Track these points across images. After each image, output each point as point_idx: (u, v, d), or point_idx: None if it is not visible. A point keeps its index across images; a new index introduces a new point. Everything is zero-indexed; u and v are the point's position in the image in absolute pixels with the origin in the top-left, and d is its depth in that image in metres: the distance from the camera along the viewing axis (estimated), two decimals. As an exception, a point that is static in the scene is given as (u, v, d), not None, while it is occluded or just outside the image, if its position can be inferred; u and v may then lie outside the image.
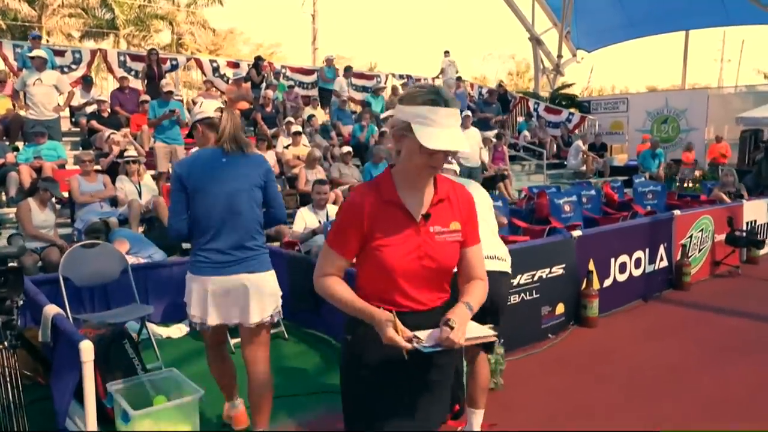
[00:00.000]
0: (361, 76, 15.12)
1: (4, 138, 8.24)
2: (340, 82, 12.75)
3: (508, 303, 4.30)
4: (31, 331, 3.63)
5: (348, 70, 13.62)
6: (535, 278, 4.53)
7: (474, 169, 9.73)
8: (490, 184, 10.27)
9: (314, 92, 13.19)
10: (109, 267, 4.18)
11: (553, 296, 4.70)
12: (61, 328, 2.96)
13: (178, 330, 4.88)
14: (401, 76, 15.66)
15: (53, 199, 5.84)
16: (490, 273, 2.05)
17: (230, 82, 11.89)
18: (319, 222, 5.58)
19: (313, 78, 13.93)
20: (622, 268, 5.49)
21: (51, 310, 3.19)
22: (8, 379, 2.92)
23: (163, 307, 4.99)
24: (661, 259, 6.00)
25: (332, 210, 5.79)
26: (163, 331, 4.76)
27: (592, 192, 8.04)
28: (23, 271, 5.41)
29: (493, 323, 2.86)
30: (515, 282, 4.38)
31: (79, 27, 28.93)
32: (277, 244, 6.96)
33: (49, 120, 7.83)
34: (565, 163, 13.94)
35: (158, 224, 6.59)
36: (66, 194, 6.86)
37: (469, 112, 10.12)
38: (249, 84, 11.78)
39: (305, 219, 5.62)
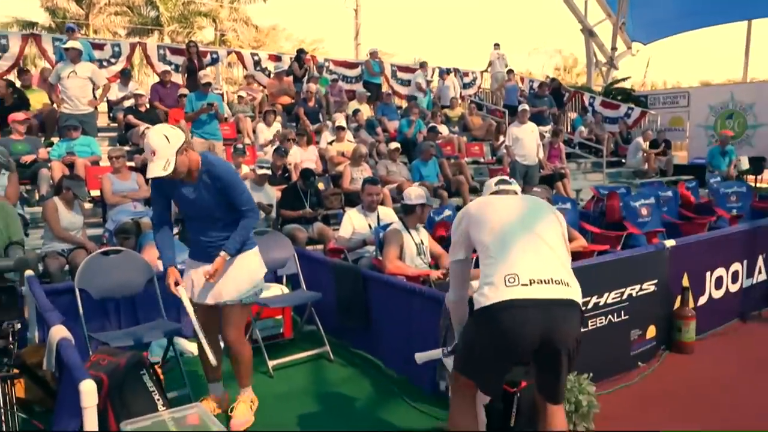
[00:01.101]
0: (406, 69, 14.50)
1: (40, 133, 7.95)
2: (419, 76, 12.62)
3: (592, 327, 3.63)
4: (41, 351, 3.15)
5: (423, 64, 13.43)
6: (624, 297, 3.83)
7: (531, 167, 9.00)
8: (548, 184, 9.51)
9: (358, 86, 12.63)
10: (132, 277, 3.68)
11: (643, 317, 3.99)
12: (64, 360, 2.44)
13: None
14: (447, 70, 14.96)
15: (82, 199, 5.40)
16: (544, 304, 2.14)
17: (272, 76, 11.45)
18: (370, 226, 4.98)
19: (357, 72, 13.39)
20: (718, 283, 4.72)
21: (57, 333, 2.67)
22: (1, 418, 2.42)
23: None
24: (760, 272, 5.19)
25: (383, 212, 5.19)
26: (195, 348, 4.24)
27: (669, 193, 7.22)
28: (50, 277, 5.09)
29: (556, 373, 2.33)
30: (602, 302, 3.69)
31: (124, 25, 29.20)
32: (320, 247, 6.43)
33: (84, 114, 7.48)
34: (624, 161, 13.02)
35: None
36: (98, 193, 6.48)
37: (526, 106, 9.37)
38: (291, 78, 11.32)
39: (353, 222, 5.04)
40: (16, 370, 2.51)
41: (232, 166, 3.08)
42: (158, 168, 2.76)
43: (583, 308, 2.41)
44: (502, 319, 2.21)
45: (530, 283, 2.22)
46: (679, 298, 4.26)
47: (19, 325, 2.54)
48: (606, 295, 3.70)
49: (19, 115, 7.06)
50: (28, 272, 4.10)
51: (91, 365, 2.75)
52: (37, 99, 8.33)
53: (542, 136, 10.36)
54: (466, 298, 2.60)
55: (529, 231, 2.37)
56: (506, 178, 2.79)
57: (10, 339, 2.53)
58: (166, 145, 2.77)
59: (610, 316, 3.75)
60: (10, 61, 9.70)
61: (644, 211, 6.41)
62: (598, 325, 3.69)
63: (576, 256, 4.66)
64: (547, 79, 15.87)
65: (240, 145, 7.29)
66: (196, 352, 4.20)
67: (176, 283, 3.02)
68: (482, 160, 11.06)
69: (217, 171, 2.95)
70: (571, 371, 2.41)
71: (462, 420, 2.47)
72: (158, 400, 2.77)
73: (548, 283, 2.24)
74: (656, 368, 3.98)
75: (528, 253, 2.30)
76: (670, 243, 4.18)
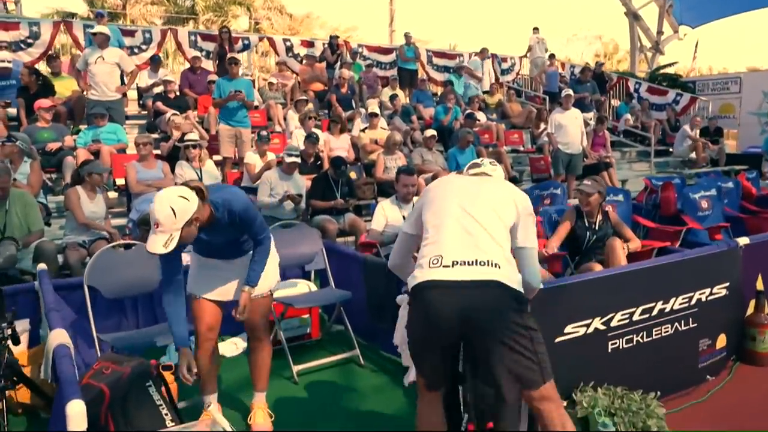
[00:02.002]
0: (442, 55, 14.02)
1: (69, 121, 7.80)
2: (475, 62, 12.36)
3: (657, 336, 3.20)
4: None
5: (483, 51, 13.13)
6: (693, 302, 3.38)
7: (575, 156, 8.49)
8: (592, 173, 8.96)
9: (393, 72, 12.24)
10: (146, 274, 3.39)
11: (713, 325, 3.53)
12: (57, 371, 2.15)
13: (233, 346, 4.07)
14: (476, 54, 14.40)
15: (104, 187, 5.19)
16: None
17: (303, 62, 11.15)
18: (404, 218, 4.61)
19: (391, 57, 12.98)
20: (794, 285, 4.20)
21: (55, 338, 2.40)
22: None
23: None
24: (838, 273, 4.63)
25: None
26: (216, 348, 3.96)
27: (730, 184, 6.63)
28: (70, 269, 4.87)
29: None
30: (667, 308, 3.25)
31: (161, 14, 29.34)
32: (351, 239, 6.10)
33: (111, 101, 7.28)
34: (671, 150, 12.33)
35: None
36: (123, 181, 6.27)
37: (570, 91, 8.83)
38: (323, 64, 10.99)
39: (387, 215, 4.68)
40: (8, 381, 2.23)
41: (247, 200, 2.70)
42: (158, 244, 2.37)
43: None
44: (422, 299, 2.17)
45: (452, 265, 2.16)
46: (752, 303, 3.80)
47: (9, 331, 2.26)
48: (672, 300, 3.26)
49: (45, 102, 6.89)
50: (41, 266, 3.87)
51: (93, 374, 2.47)
52: (66, 86, 8.17)
53: (586, 124, 9.82)
54: (405, 266, 2.58)
55: (468, 212, 2.29)
56: (479, 160, 2.69)
57: (4, 344, 2.25)
58: (172, 220, 2.36)
59: (676, 324, 3.31)
60: (42, 48, 9.60)
61: (704, 204, 5.88)
62: (663, 334, 3.25)
63: (632, 255, 4.23)
64: (596, 63, 15.14)
65: (264, 132, 6.97)
66: (217, 353, 3.94)
67: (188, 368, 2.60)
68: (522, 148, 10.57)
69: (235, 208, 2.61)
70: (524, 365, 2.11)
71: (423, 420, 2.37)
72: (166, 414, 2.47)
73: (472, 264, 2.16)
74: (727, 382, 3.52)
75: (458, 235, 2.24)
76: (743, 241, 3.69)
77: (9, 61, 7.95)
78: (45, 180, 6.10)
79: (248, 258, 2.85)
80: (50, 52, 9.51)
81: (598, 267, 4.06)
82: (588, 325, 2.94)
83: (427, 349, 2.24)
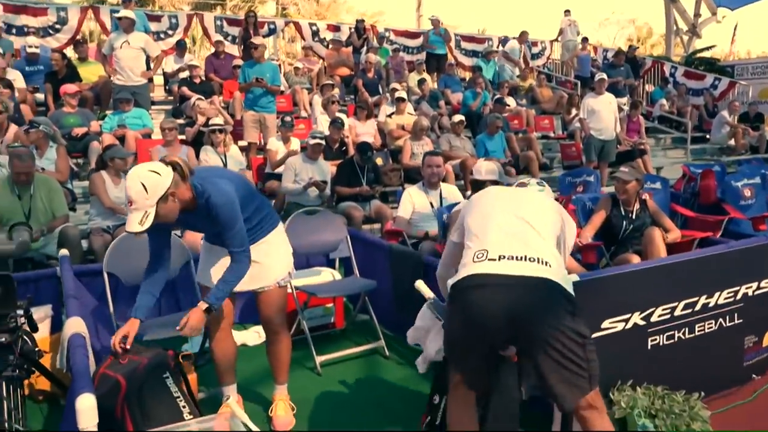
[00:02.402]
0: (470, 39, 13.75)
1: (95, 106, 7.81)
2: (513, 46, 12.01)
3: (699, 332, 3.02)
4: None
5: (523, 34, 12.91)
6: (738, 297, 3.17)
7: (608, 142, 8.22)
8: (626, 160, 8.67)
9: (421, 56, 12.02)
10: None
11: (760, 321, 3.31)
12: (71, 362, 2.08)
13: (256, 335, 3.99)
14: (514, 38, 14.07)
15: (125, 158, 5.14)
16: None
17: (330, 47, 11.01)
18: (431, 204, 4.47)
19: (418, 42, 12.75)
20: None
21: (71, 327, 2.33)
22: (5, 426, 2.08)
23: (241, 304, 4.11)
24: None
25: (447, 190, 4.66)
26: (238, 337, 3.86)
27: (772, 171, 6.32)
28: (95, 255, 4.85)
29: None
30: (711, 303, 3.06)
31: (189, 0, 29.40)
32: (377, 227, 5.99)
33: (136, 86, 7.26)
34: (708, 136, 11.90)
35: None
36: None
37: (604, 75, 8.53)
38: (350, 49, 10.85)
39: (414, 201, 4.54)
40: (23, 371, 2.16)
41: (230, 200, 2.47)
42: (134, 222, 2.26)
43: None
44: (465, 295, 2.03)
45: (498, 259, 2.03)
46: (802, 297, 3.56)
47: (23, 319, 2.19)
48: (717, 294, 3.06)
49: (71, 88, 6.89)
50: (63, 251, 3.84)
51: (110, 364, 2.39)
52: (93, 71, 8.18)
53: (620, 109, 9.50)
54: (447, 276, 2.40)
55: (515, 215, 2.18)
56: (526, 180, 2.72)
57: (18, 334, 2.18)
58: (143, 196, 2.25)
59: (720, 320, 3.11)
60: (69, 34, 9.64)
61: (747, 193, 5.60)
62: (707, 330, 3.06)
63: (671, 246, 4.03)
64: (629, 47, 14.69)
65: (288, 118, 6.85)
66: (238, 341, 3.86)
67: (122, 346, 2.41)
68: (552, 134, 10.29)
69: (213, 202, 2.44)
70: (574, 372, 1.94)
71: (456, 422, 2.23)
72: (184, 407, 2.38)
73: (521, 260, 2.01)
74: (774, 381, 3.32)
75: (505, 231, 2.12)
76: (793, 231, 3.47)
77: (37, 47, 7.99)
78: (71, 165, 6.08)
79: (258, 247, 2.68)
80: (78, 37, 9.52)
81: (635, 258, 3.87)
82: (627, 320, 2.77)
83: (470, 350, 2.07)
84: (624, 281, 2.80)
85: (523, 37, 12.86)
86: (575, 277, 2.38)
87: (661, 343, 2.89)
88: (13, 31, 9.05)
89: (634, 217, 4.20)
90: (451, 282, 2.10)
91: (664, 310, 2.88)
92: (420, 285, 2.84)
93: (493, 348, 2.08)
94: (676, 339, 2.94)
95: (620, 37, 38.57)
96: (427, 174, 4.59)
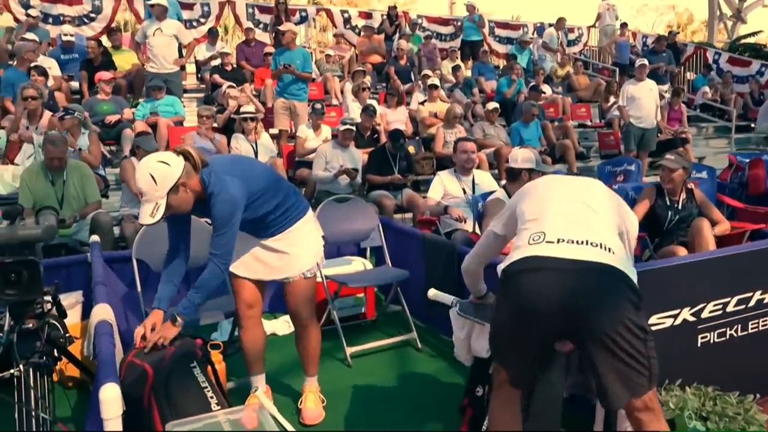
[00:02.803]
0: (505, 26, 13.45)
1: (129, 94, 7.86)
2: (551, 34, 11.76)
3: (753, 330, 2.84)
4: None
5: (560, 21, 12.61)
6: (796, 292, 2.97)
7: (648, 131, 7.93)
8: (667, 150, 8.36)
9: (455, 43, 11.81)
10: (195, 247, 3.22)
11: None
12: (97, 349, 2.03)
13: (286, 324, 3.93)
14: (551, 26, 13.74)
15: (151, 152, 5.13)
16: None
17: (361, 34, 10.89)
18: (464, 191, 4.34)
19: (451, 29, 12.54)
20: None
21: (98, 314, 2.28)
22: (32, 413, 2.04)
23: (270, 293, 4.04)
24: None
25: (480, 177, 4.51)
26: (267, 326, 3.80)
27: (827, 162, 5.98)
28: (126, 241, 4.85)
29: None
30: (766, 299, 2.87)
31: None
32: (408, 216, 5.87)
33: (169, 73, 7.26)
34: (753, 125, 11.43)
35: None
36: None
37: (645, 61, 8.23)
38: (382, 36, 10.70)
39: (444, 184, 4.41)
40: (49, 358, 2.12)
41: (231, 203, 2.36)
42: (145, 214, 2.22)
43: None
44: (517, 279, 1.84)
45: (557, 242, 1.84)
46: None
47: (49, 305, 2.15)
48: (775, 290, 2.87)
49: (105, 75, 6.93)
50: (94, 237, 3.84)
51: (137, 352, 2.34)
52: (127, 59, 8.22)
53: (661, 96, 9.17)
54: (478, 274, 2.42)
55: (576, 200, 2.01)
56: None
57: (45, 320, 2.14)
58: (153, 187, 2.20)
59: (776, 317, 2.92)
60: (104, 22, 9.71)
61: (799, 183, 5.32)
62: (761, 327, 2.87)
63: (720, 238, 3.83)
64: (669, 32, 14.21)
65: (318, 105, 6.77)
66: (268, 331, 3.80)
67: (144, 334, 2.36)
68: (589, 123, 10.00)
69: (214, 197, 2.35)
70: (634, 368, 1.75)
71: (498, 421, 2.05)
72: (211, 397, 2.31)
73: (582, 244, 1.81)
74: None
75: (564, 216, 1.94)
76: None
77: (72, 35, 8.06)
78: (104, 152, 6.12)
79: (283, 237, 2.59)
80: (112, 26, 9.60)
81: (681, 250, 3.68)
82: (675, 316, 2.60)
83: (519, 343, 1.87)
84: (673, 275, 2.63)
85: (560, 24, 12.52)
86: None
87: (712, 341, 2.72)
88: (50, 20, 9.16)
89: (679, 207, 4.00)
90: (502, 266, 1.92)
91: (715, 305, 2.71)
92: (433, 294, 2.71)
93: (545, 340, 1.86)
94: (728, 336, 2.77)
95: (659, 23, 37.51)
96: (461, 160, 4.45)
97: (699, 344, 2.69)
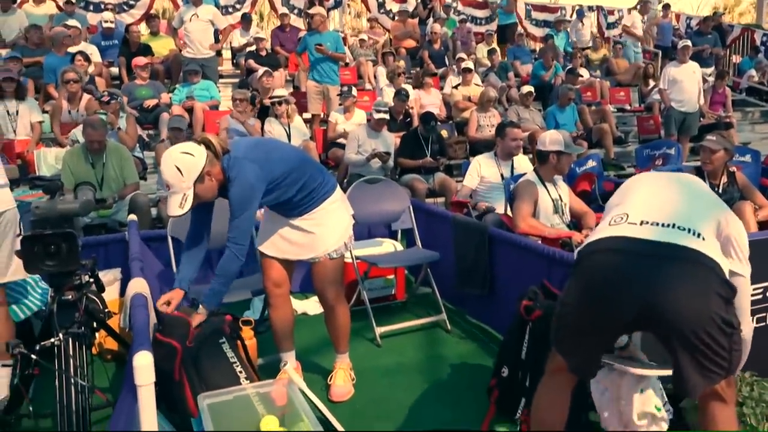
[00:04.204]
0: (542, 9, 13.17)
1: (166, 79, 8.00)
2: (632, 18, 11.40)
3: None
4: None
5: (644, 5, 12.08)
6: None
7: (690, 115, 7.69)
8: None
9: (491, 27, 11.63)
10: (225, 226, 3.30)
11: None
12: (132, 320, 2.09)
13: (317, 304, 3.95)
14: (590, 8, 13.39)
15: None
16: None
17: (395, 18, 10.82)
18: (502, 176, 4.29)
19: (486, 12, 12.33)
20: None
21: (133, 287, 2.35)
22: (71, 380, 2.12)
23: (302, 273, 4.09)
24: None
25: (519, 162, 4.46)
26: (298, 305, 3.87)
27: None
28: (163, 222, 4.96)
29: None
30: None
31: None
32: (441, 200, 5.85)
33: (205, 58, 7.38)
34: (801, 110, 10.99)
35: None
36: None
37: (688, 42, 7.97)
38: (416, 20, 10.62)
39: (482, 171, 4.37)
40: (87, 328, 2.20)
41: (249, 189, 2.38)
42: (174, 206, 2.27)
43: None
44: (591, 259, 1.70)
45: (640, 223, 1.69)
46: None
47: (87, 278, 2.22)
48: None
49: (141, 60, 7.07)
50: (132, 217, 3.93)
51: (162, 330, 2.40)
52: (164, 45, 8.36)
53: (704, 80, 8.88)
54: None
55: (666, 186, 1.86)
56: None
57: (83, 292, 2.21)
58: (179, 179, 2.24)
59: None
60: (142, 9, 9.85)
61: None
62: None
63: (763, 225, 3.71)
64: (714, 13, 13.72)
65: (346, 88, 6.76)
66: (299, 310, 3.86)
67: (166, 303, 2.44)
68: (628, 107, 9.75)
69: (232, 182, 2.37)
70: (715, 361, 1.61)
71: (545, 409, 1.92)
72: (240, 372, 2.38)
73: (668, 227, 1.64)
74: None
75: (652, 200, 1.78)
76: None
77: (112, 22, 8.23)
78: (142, 136, 6.26)
79: (310, 217, 2.60)
80: (151, 12, 9.76)
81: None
82: (713, 299, 2.53)
83: (585, 330, 1.73)
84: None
85: (645, 8, 12.03)
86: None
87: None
88: (91, 7, 9.35)
89: (720, 191, 3.89)
90: (581, 248, 1.80)
91: (755, 290, 2.62)
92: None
93: (615, 329, 1.73)
94: (767, 322, 2.69)
95: (705, 4, 36.15)
96: (510, 146, 4.37)
97: (736, 329, 2.62)
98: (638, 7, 13.67)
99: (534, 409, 1.98)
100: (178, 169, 2.24)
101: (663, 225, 1.67)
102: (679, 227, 1.66)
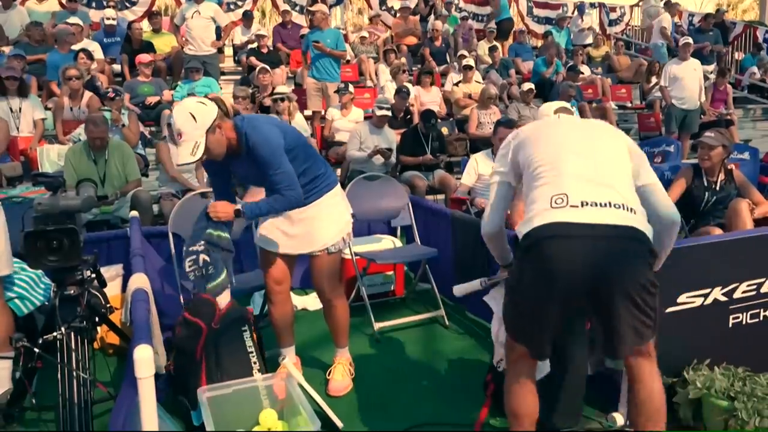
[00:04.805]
0: (544, 5, 13.15)
1: (168, 77, 8.02)
2: (661, 20, 11.20)
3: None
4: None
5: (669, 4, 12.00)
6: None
7: (691, 112, 7.71)
8: (710, 131, 8.13)
9: (492, 24, 11.62)
10: (229, 222, 3.33)
11: None
12: (132, 315, 2.13)
13: (317, 300, 3.99)
14: (592, 5, 13.39)
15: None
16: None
17: (397, 15, 10.83)
18: (497, 174, 4.31)
19: (488, 9, 12.33)
20: None
21: (134, 282, 2.39)
22: (73, 373, 2.16)
23: (302, 269, 4.12)
24: None
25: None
26: (298, 301, 3.91)
27: None
28: (164, 218, 5.00)
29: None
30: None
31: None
32: (441, 197, 5.88)
33: (206, 55, 7.41)
34: (803, 107, 10.97)
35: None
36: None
37: (689, 39, 7.98)
38: (417, 17, 10.63)
39: (479, 169, 4.40)
40: (89, 322, 2.23)
41: (270, 138, 2.44)
42: (186, 153, 2.31)
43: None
44: (544, 246, 1.82)
45: (581, 206, 1.83)
46: None
47: (89, 273, 2.26)
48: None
49: (145, 57, 7.09)
50: (133, 213, 3.97)
51: (192, 307, 2.46)
52: (166, 42, 8.38)
53: (705, 77, 8.88)
54: (502, 234, 2.27)
55: (589, 151, 1.98)
56: (567, 105, 2.47)
57: (85, 287, 2.25)
58: (192, 125, 2.30)
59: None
60: (144, 6, 9.89)
61: None
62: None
63: (759, 223, 3.73)
64: (716, 10, 13.68)
65: (342, 85, 6.79)
66: (299, 305, 3.90)
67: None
68: (629, 104, 9.76)
69: (252, 140, 2.42)
70: (645, 322, 1.85)
71: (518, 404, 2.00)
72: (255, 363, 2.44)
73: (606, 206, 1.83)
74: None
75: (583, 172, 1.92)
76: None
77: (114, 19, 8.25)
78: (144, 133, 6.29)
79: (309, 210, 2.63)
80: (153, 9, 9.79)
81: (717, 231, 3.60)
82: (706, 296, 2.57)
83: (542, 313, 1.87)
84: (705, 253, 2.59)
85: (673, 10, 12.02)
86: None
87: (744, 322, 2.67)
88: (93, 4, 9.38)
89: (717, 188, 3.91)
90: (523, 230, 1.88)
91: (749, 286, 2.67)
92: (460, 289, 2.69)
93: (570, 309, 1.92)
94: (761, 318, 2.72)
95: (708, 1, 36.07)
96: (499, 146, 4.39)
97: (730, 325, 2.66)
98: (639, 3, 13.71)
99: (507, 402, 2.04)
100: (192, 115, 2.31)
101: (600, 204, 1.83)
102: (614, 205, 1.83)
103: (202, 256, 2.39)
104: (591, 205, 1.82)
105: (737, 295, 2.63)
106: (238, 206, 2.48)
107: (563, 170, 1.92)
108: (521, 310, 1.94)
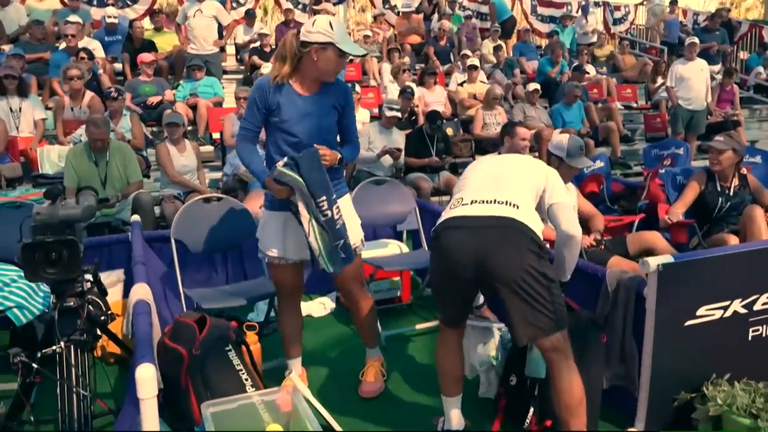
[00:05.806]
0: (548, 4, 13.06)
1: (170, 76, 7.95)
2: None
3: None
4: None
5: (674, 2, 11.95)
6: None
7: (697, 113, 7.62)
8: (717, 133, 8.03)
9: (497, 23, 11.54)
10: (233, 229, 3.27)
11: None
12: (134, 329, 2.05)
13: (322, 306, 3.94)
14: (596, 3, 13.29)
15: (200, 140, 5.20)
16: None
17: (400, 14, 10.75)
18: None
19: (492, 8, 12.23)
20: None
21: (136, 294, 2.31)
22: (72, 390, 2.08)
23: (306, 274, 4.03)
24: None
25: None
26: (303, 307, 3.80)
27: None
28: (166, 221, 4.92)
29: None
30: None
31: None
32: (446, 199, 5.80)
33: (209, 54, 7.34)
34: (811, 108, 10.87)
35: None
36: (219, 135, 6.29)
37: (695, 39, 7.89)
38: (421, 16, 10.54)
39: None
40: (89, 335, 2.16)
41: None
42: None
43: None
44: (441, 236, 2.19)
45: (471, 203, 2.20)
46: None
47: (89, 284, 2.19)
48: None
49: (147, 57, 7.02)
50: (135, 217, 3.89)
51: (171, 333, 2.36)
52: (168, 41, 8.30)
53: (712, 78, 8.79)
54: None
55: (495, 170, 2.34)
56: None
57: (85, 298, 2.17)
58: (329, 32, 2.34)
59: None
60: (146, 5, 9.81)
61: None
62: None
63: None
64: (723, 8, 13.56)
65: (349, 85, 6.70)
66: (303, 312, 3.80)
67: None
68: (635, 104, 9.66)
69: (344, 88, 2.57)
70: (538, 310, 2.05)
71: (443, 358, 2.42)
72: (246, 379, 2.33)
73: (491, 203, 2.16)
74: None
75: (482, 182, 2.29)
76: None
77: (115, 17, 8.17)
78: (146, 133, 6.21)
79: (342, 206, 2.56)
80: (154, 7, 9.71)
81: (733, 239, 3.52)
82: (726, 308, 2.49)
83: (447, 291, 2.27)
84: (725, 264, 2.51)
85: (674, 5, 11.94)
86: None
87: (764, 334, 2.59)
88: (94, 2, 9.30)
89: (731, 193, 3.83)
90: (433, 228, 2.25)
91: (768, 298, 2.58)
92: None
93: (466, 287, 2.21)
94: (781, 330, 2.64)
95: (711, 0, 35.90)
96: (519, 146, 4.21)
97: (750, 338, 2.57)
98: (644, 2, 13.61)
99: (436, 360, 2.44)
100: (331, 24, 2.36)
101: (486, 201, 2.16)
102: (498, 201, 2.15)
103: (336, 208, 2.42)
104: (479, 203, 2.16)
105: (757, 307, 2.55)
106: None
107: (468, 182, 2.32)
108: (433, 288, 2.44)
